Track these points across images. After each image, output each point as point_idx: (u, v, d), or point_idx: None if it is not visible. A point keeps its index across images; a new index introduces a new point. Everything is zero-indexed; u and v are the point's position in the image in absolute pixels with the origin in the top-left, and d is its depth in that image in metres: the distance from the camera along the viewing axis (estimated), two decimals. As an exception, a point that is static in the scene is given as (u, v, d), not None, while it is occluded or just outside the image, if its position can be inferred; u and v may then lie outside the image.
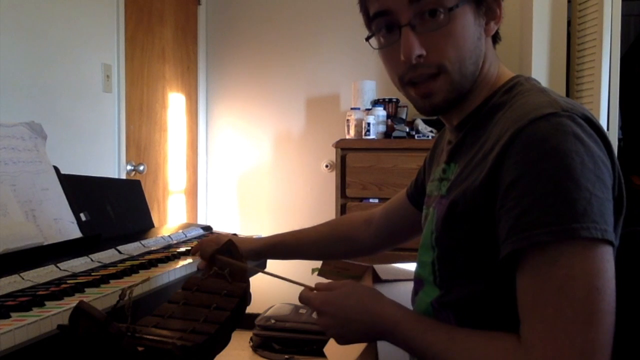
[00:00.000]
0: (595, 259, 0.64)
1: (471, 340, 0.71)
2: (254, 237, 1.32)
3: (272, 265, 1.42)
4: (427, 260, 0.83)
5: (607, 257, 0.65)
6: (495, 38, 0.85)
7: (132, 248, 1.29)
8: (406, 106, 2.80)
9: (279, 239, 1.23)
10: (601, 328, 0.63)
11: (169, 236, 1.47)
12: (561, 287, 0.63)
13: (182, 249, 1.33)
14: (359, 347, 1.00)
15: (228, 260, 0.97)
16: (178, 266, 1.15)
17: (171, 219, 2.84)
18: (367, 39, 0.83)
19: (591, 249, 0.64)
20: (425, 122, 2.61)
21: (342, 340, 0.84)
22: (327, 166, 3.11)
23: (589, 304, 0.63)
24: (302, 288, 0.91)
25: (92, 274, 1.04)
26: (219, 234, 1.43)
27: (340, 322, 0.82)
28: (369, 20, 0.82)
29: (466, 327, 0.74)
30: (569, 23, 2.49)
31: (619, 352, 0.68)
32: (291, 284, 0.95)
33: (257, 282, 1.30)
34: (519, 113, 0.71)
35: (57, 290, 0.90)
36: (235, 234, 1.38)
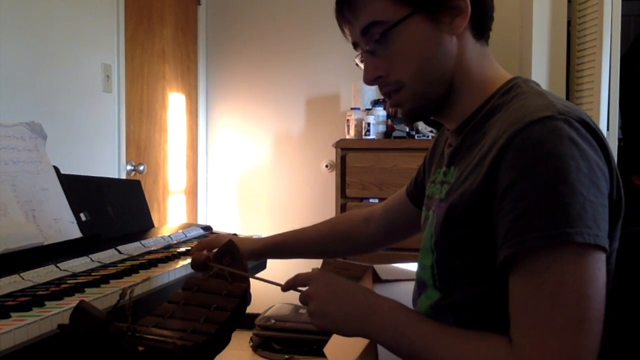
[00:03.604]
0: (587, 266, 0.64)
1: (462, 336, 0.72)
2: (254, 237, 1.32)
3: (272, 265, 1.42)
4: (427, 264, 0.83)
5: (598, 265, 0.65)
6: (482, 34, 0.82)
7: (132, 248, 1.29)
8: (406, 106, 2.79)
9: (280, 238, 1.23)
10: (590, 335, 0.63)
11: (169, 236, 1.47)
12: (552, 293, 0.64)
13: (182, 249, 1.33)
14: (359, 347, 1.00)
15: (222, 267, 0.95)
16: (178, 266, 1.15)
17: (171, 219, 2.84)
18: (357, 64, 0.87)
19: (583, 255, 0.64)
20: (425, 122, 2.60)
21: (323, 319, 0.81)
22: (327, 166, 3.11)
23: (579, 311, 0.63)
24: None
25: (92, 274, 1.04)
26: (218, 234, 1.43)
27: (332, 295, 0.81)
28: None
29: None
30: (569, 23, 2.49)
31: (619, 352, 0.68)
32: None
33: (257, 283, 1.30)
34: (515, 116, 0.71)
35: (57, 290, 0.90)
36: (235, 234, 1.38)
